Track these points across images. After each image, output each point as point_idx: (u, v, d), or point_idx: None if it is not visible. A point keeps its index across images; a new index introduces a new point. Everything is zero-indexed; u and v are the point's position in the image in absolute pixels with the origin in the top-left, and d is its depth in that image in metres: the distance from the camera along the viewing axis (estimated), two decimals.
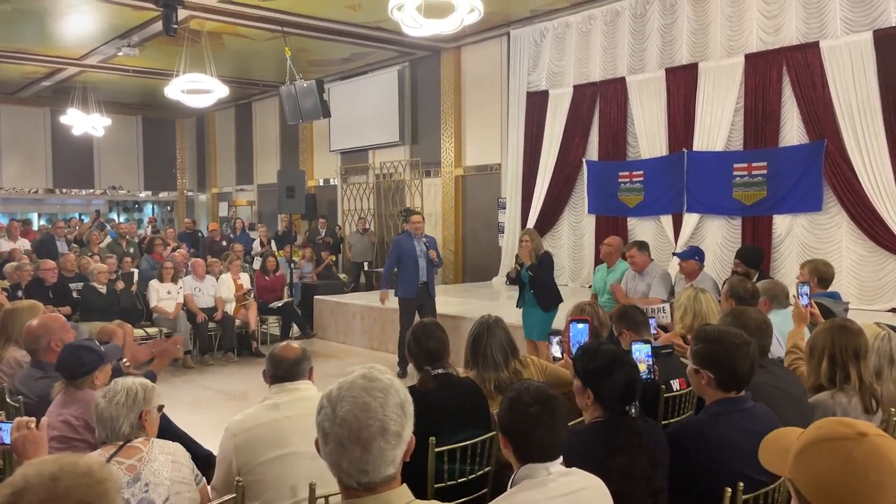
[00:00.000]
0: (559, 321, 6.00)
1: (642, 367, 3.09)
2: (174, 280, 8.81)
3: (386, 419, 1.47)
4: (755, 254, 6.30)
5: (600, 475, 2.14)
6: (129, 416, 2.53)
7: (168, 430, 3.02)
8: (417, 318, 7.49)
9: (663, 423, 3.48)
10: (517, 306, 6.96)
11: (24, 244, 11.39)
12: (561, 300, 6.76)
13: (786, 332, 3.89)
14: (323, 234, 13.73)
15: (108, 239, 12.24)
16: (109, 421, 2.52)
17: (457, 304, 9.28)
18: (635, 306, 4.30)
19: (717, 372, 2.60)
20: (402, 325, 7.77)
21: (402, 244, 7.78)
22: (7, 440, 2.35)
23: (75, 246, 11.35)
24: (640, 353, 3.12)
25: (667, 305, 5.82)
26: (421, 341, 3.21)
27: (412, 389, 3.03)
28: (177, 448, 2.59)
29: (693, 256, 6.12)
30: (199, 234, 14.42)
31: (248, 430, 2.68)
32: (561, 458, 2.09)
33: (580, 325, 3.18)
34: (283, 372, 2.86)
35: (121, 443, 2.48)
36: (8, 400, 3.61)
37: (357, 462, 1.45)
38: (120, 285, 8.50)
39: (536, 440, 2.06)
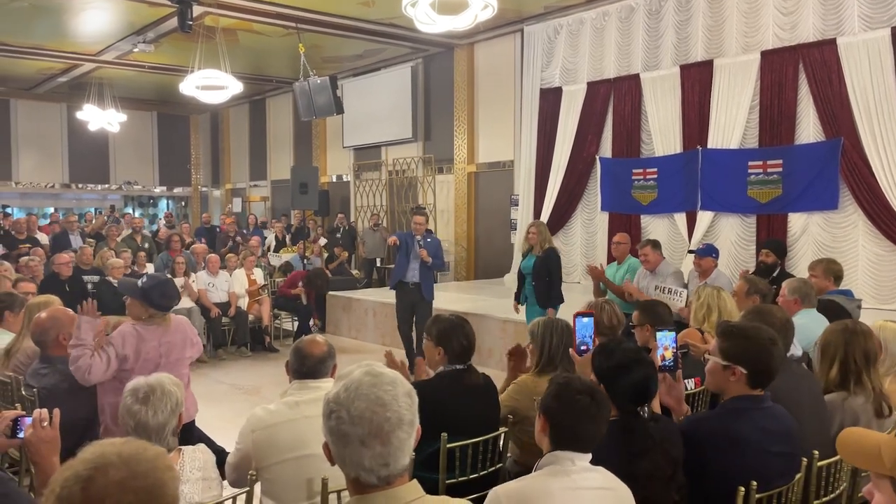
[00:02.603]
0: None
1: (668, 354, 3.08)
2: (186, 275, 8.87)
3: (401, 410, 1.50)
4: (782, 245, 6.41)
5: (620, 478, 2.14)
6: (171, 421, 2.42)
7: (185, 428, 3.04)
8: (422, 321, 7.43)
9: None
10: (516, 302, 6.92)
11: (42, 238, 11.50)
12: (562, 300, 6.67)
13: (810, 331, 3.86)
14: (343, 229, 13.77)
15: (128, 231, 12.33)
16: (156, 430, 2.38)
17: (469, 300, 9.29)
18: (661, 301, 4.30)
19: (752, 368, 2.57)
20: (397, 318, 7.82)
21: (405, 241, 7.66)
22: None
23: (91, 240, 11.43)
24: (667, 339, 3.10)
25: (683, 291, 5.81)
26: (463, 339, 3.20)
27: (466, 382, 3.09)
28: (206, 460, 2.49)
29: (710, 254, 6.15)
30: (217, 230, 14.47)
31: (267, 427, 2.68)
32: (591, 455, 2.09)
33: (585, 320, 3.15)
34: (308, 369, 2.83)
35: None
36: (23, 392, 3.65)
37: (379, 457, 1.47)
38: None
39: (578, 430, 2.08)
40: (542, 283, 6.59)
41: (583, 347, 3.06)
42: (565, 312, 6.60)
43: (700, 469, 2.51)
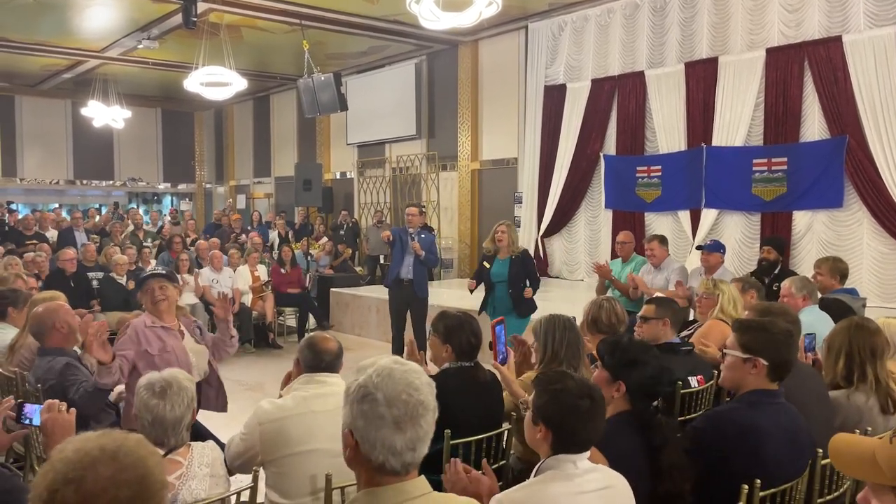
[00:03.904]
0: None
1: None
2: (190, 272, 8.89)
3: (429, 395, 1.55)
4: (783, 242, 6.44)
5: (646, 473, 2.14)
6: (186, 415, 2.43)
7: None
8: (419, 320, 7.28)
9: (680, 419, 3.48)
10: (480, 312, 6.27)
11: (53, 235, 11.55)
12: (535, 307, 6.33)
13: (815, 330, 3.86)
14: (347, 226, 13.76)
15: (131, 228, 12.37)
16: (173, 425, 2.38)
17: (473, 298, 9.26)
18: (673, 299, 4.31)
19: (772, 360, 2.58)
20: (391, 317, 7.54)
21: (398, 236, 7.39)
22: (37, 422, 2.34)
23: (95, 237, 11.47)
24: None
25: None
26: (471, 336, 3.21)
27: (474, 379, 3.11)
28: (214, 457, 2.49)
29: (718, 250, 6.18)
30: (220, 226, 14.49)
31: (274, 420, 2.69)
32: (589, 453, 2.08)
33: (499, 326, 3.18)
34: (326, 364, 2.85)
35: (163, 452, 2.34)
36: (28, 387, 3.67)
37: (409, 441, 1.51)
38: (130, 286, 8.33)
39: (583, 435, 2.05)
40: (520, 289, 6.21)
41: (500, 357, 3.06)
42: (567, 310, 6.61)
43: (718, 462, 2.49)
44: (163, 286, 3.85)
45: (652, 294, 5.93)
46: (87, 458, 1.25)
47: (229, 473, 2.65)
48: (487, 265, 6.41)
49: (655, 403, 2.54)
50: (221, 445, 3.12)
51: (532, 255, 6.54)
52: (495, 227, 6.41)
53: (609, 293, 6.11)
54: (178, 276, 8.73)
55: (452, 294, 9.75)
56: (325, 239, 12.76)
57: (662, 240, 6.38)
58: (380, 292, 10.07)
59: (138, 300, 3.98)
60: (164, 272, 4.08)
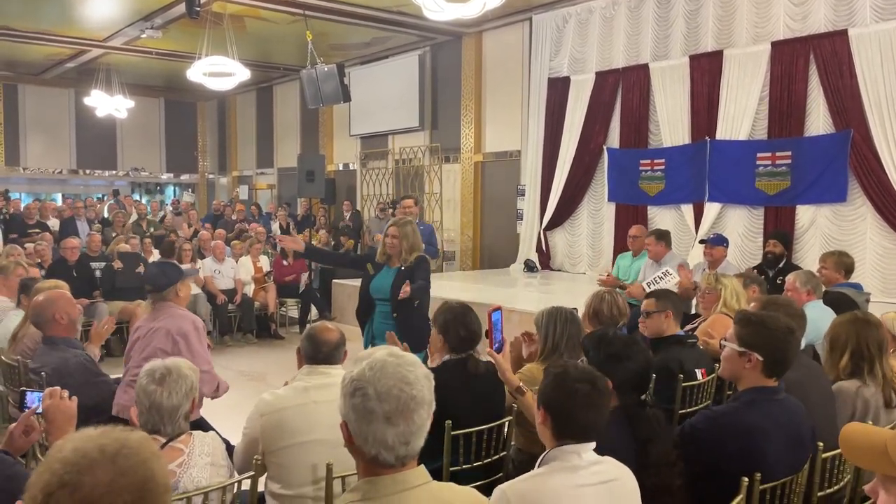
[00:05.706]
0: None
1: None
2: (192, 261, 8.89)
3: (423, 390, 1.55)
4: (788, 236, 6.43)
5: (634, 467, 2.13)
6: (184, 404, 2.43)
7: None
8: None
9: (681, 411, 3.49)
10: (366, 346, 4.96)
11: (55, 224, 11.57)
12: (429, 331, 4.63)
13: (820, 324, 3.86)
14: (347, 218, 13.76)
15: (134, 217, 12.39)
16: (170, 412, 2.38)
17: (474, 290, 9.29)
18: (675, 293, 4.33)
19: (767, 356, 2.56)
20: None
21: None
22: (40, 409, 2.35)
23: (98, 226, 11.48)
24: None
25: (674, 275, 5.81)
26: (461, 328, 3.21)
27: (467, 371, 3.11)
28: (215, 447, 2.50)
29: (721, 243, 6.17)
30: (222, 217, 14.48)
31: (275, 411, 2.69)
32: (594, 443, 2.07)
33: (496, 313, 3.19)
34: (324, 355, 2.85)
35: (164, 440, 2.35)
36: (31, 375, 3.68)
37: (401, 435, 1.51)
38: (118, 264, 8.37)
39: (581, 419, 2.04)
40: (409, 310, 4.71)
41: (496, 345, 3.05)
42: (569, 303, 6.60)
43: (717, 462, 2.49)
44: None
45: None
46: (86, 459, 1.18)
47: (239, 472, 2.65)
48: (371, 271, 4.85)
49: (643, 397, 2.53)
50: (223, 439, 3.14)
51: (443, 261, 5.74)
52: (386, 230, 4.81)
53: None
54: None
55: (453, 286, 9.76)
56: (322, 231, 12.77)
57: (659, 236, 6.34)
58: None
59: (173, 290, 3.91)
60: (189, 272, 4.25)
